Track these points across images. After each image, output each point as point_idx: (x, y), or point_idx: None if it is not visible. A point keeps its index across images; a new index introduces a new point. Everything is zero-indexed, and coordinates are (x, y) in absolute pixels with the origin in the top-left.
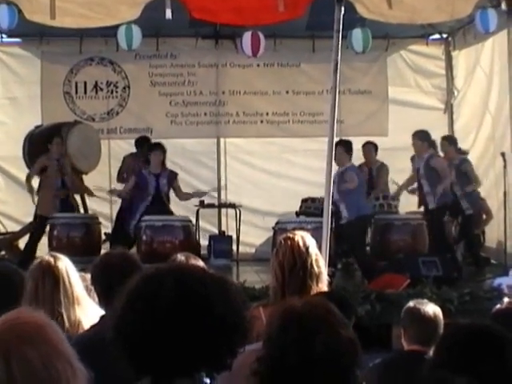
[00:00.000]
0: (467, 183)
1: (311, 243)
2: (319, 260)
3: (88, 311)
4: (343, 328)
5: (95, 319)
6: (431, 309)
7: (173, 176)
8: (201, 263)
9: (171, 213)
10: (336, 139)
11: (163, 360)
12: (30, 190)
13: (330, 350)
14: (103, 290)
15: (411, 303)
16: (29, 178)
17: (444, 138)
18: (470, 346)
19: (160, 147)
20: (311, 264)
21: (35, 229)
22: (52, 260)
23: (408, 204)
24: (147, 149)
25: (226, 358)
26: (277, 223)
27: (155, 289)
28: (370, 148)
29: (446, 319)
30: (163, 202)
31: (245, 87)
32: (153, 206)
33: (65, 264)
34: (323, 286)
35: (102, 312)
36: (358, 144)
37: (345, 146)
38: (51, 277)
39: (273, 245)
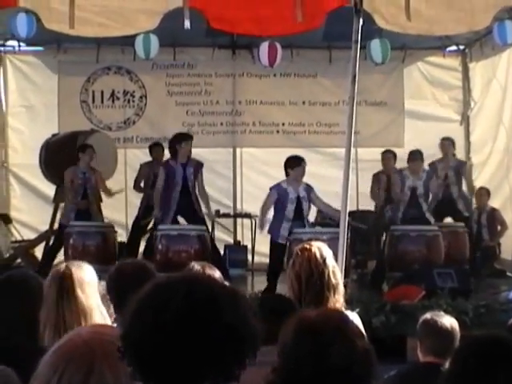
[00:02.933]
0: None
1: (328, 254)
2: (336, 271)
3: None
4: (359, 338)
5: None
6: (448, 321)
7: (199, 166)
8: (217, 273)
9: (199, 206)
10: (353, 150)
11: (171, 369)
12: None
13: (346, 360)
14: (118, 299)
15: (428, 315)
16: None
17: (447, 139)
18: (486, 357)
19: (190, 136)
20: (328, 275)
21: (56, 237)
22: (63, 267)
23: None
24: (175, 139)
25: (235, 369)
26: (292, 233)
27: (165, 298)
28: (389, 156)
29: (462, 331)
30: (190, 194)
31: (261, 97)
32: (181, 198)
33: (79, 273)
34: (340, 297)
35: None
36: (373, 155)
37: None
38: (56, 285)
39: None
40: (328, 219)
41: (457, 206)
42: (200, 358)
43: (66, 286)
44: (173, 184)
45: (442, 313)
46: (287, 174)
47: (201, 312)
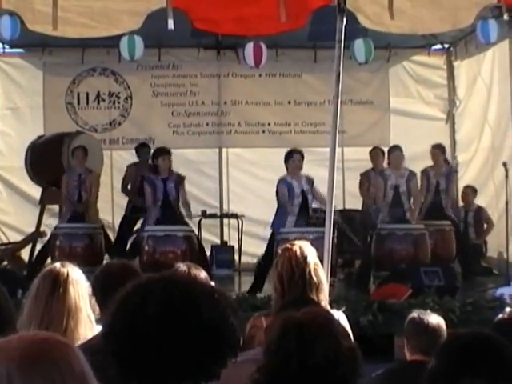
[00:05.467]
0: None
1: (310, 252)
2: (318, 269)
3: (80, 326)
4: (344, 337)
5: (86, 335)
6: (435, 319)
7: (179, 179)
8: (203, 273)
9: (182, 219)
10: (338, 149)
11: (151, 367)
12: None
13: (330, 358)
14: (104, 301)
15: (415, 313)
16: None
17: (436, 147)
18: (468, 354)
19: (167, 152)
20: (310, 274)
21: (49, 240)
22: (59, 266)
23: None
24: (153, 155)
25: (215, 367)
26: (278, 233)
27: (143, 297)
28: (377, 153)
29: (448, 329)
30: (172, 208)
31: (247, 97)
32: (162, 213)
33: (73, 273)
34: (324, 295)
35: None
36: (359, 154)
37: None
38: (49, 281)
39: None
40: (315, 218)
41: (446, 213)
42: (179, 356)
43: (60, 283)
44: (155, 199)
45: (429, 311)
46: (286, 169)
47: (178, 310)
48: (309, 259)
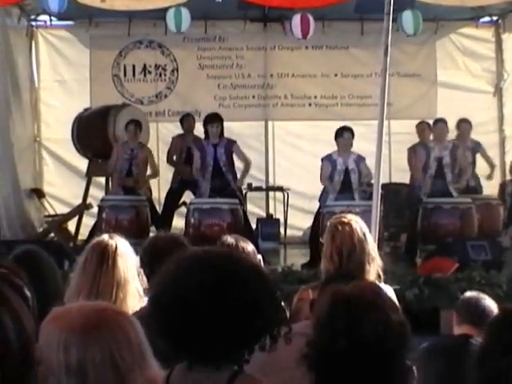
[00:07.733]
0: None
1: (367, 229)
2: (375, 246)
3: (128, 298)
4: (393, 311)
5: (135, 307)
6: (492, 304)
7: (230, 144)
8: (251, 246)
9: (232, 190)
10: (385, 122)
11: (199, 339)
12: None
13: (379, 333)
14: (152, 273)
15: (472, 294)
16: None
17: (465, 121)
18: None
19: (217, 119)
20: (369, 250)
21: None
22: (105, 238)
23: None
24: (204, 121)
25: (257, 341)
26: (324, 206)
27: (194, 269)
28: (423, 127)
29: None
30: (222, 174)
31: (293, 70)
32: (213, 180)
33: (118, 245)
34: (379, 268)
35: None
36: (406, 128)
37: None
38: (98, 253)
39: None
40: (362, 191)
41: (470, 184)
42: (229, 327)
43: (109, 256)
44: (205, 165)
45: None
46: (337, 146)
47: (225, 285)
48: (367, 235)
